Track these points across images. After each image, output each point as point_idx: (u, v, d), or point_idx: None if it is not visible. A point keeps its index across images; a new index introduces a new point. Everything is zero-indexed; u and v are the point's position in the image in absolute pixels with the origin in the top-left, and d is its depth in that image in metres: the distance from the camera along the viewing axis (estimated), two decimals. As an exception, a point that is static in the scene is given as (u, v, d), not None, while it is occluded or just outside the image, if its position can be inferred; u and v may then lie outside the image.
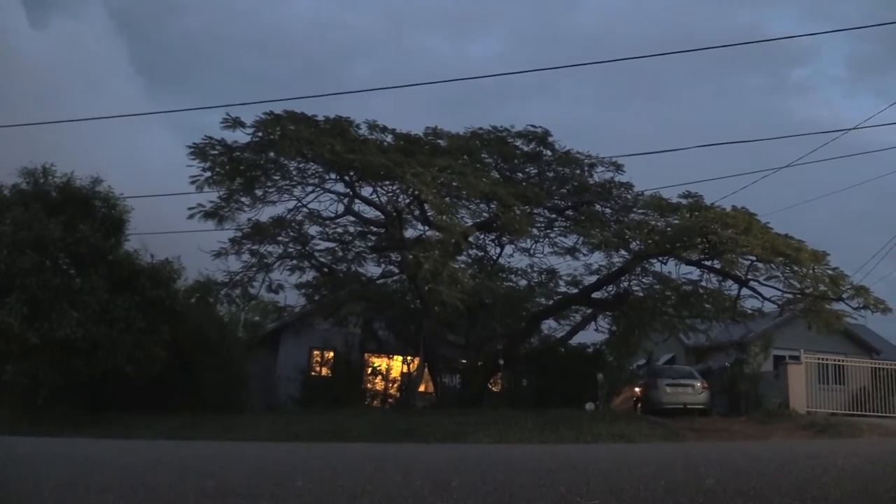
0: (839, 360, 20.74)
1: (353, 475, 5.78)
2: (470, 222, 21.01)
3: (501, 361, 22.09)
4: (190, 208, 19.93)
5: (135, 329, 18.35)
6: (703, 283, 21.31)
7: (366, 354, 25.89)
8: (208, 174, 19.44)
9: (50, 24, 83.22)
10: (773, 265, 18.66)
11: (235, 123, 18.48)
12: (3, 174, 19.65)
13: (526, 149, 22.36)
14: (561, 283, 24.92)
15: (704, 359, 27.34)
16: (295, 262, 22.82)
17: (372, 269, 24.37)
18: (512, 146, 22.18)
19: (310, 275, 23.89)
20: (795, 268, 18.38)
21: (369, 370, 25.84)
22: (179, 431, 15.03)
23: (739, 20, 78.32)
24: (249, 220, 21.12)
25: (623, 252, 21.14)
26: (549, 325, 26.06)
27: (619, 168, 21.84)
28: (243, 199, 20.52)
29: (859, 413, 18.42)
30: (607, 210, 22.21)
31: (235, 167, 19.64)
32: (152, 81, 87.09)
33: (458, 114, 72.35)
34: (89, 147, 43.72)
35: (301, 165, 20.26)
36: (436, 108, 73.39)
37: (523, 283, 25.38)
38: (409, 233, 21.74)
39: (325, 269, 23.76)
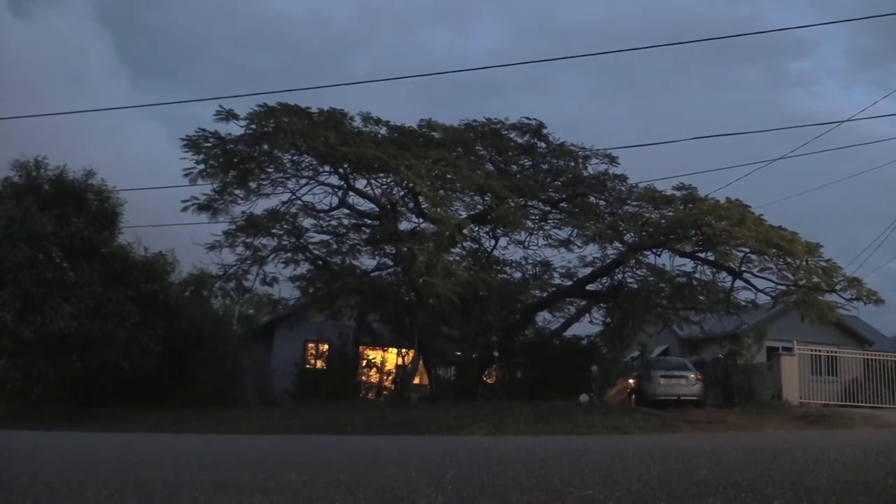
0: (832, 352, 20.80)
1: (348, 468, 5.78)
2: (464, 215, 20.98)
3: (496, 354, 22.11)
4: (183, 201, 19.84)
5: (129, 323, 18.33)
6: (697, 275, 21.41)
7: (360, 347, 25.89)
8: (202, 167, 19.32)
9: (33, 13, 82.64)
10: (766, 257, 18.72)
11: (229, 116, 18.36)
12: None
13: (520, 141, 22.35)
14: (555, 275, 25.00)
15: (698, 350, 27.43)
16: (289, 254, 22.76)
17: (366, 262, 24.37)
18: (506, 138, 22.16)
19: (304, 267, 23.85)
20: (789, 259, 18.44)
21: (364, 363, 25.84)
22: (174, 425, 15.01)
23: (739, 13, 78.31)
24: (243, 212, 21.06)
25: (617, 244, 21.19)
26: (543, 317, 26.14)
27: (613, 160, 21.85)
28: (237, 191, 20.43)
29: (852, 404, 18.49)
30: (601, 202, 22.23)
31: (229, 160, 19.54)
32: (138, 73, 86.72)
33: (452, 107, 72.25)
34: (76, 140, 43.51)
35: (295, 158, 20.19)
36: (430, 101, 73.29)
37: (518, 275, 25.42)
38: (404, 225, 21.72)
39: (320, 262, 23.72)
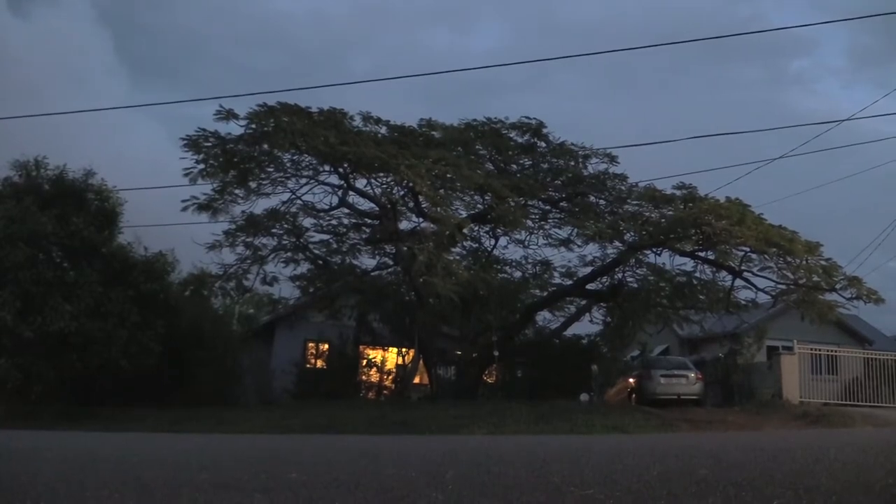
0: (832, 351, 20.81)
1: (348, 467, 5.78)
2: (464, 214, 20.99)
3: (496, 353, 22.12)
4: (183, 201, 19.84)
5: (129, 323, 18.32)
6: (697, 275, 21.40)
7: (361, 347, 25.89)
8: (202, 166, 19.31)
9: (32, 13, 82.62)
10: (766, 256, 18.72)
11: (228, 115, 18.34)
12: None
13: (520, 140, 22.37)
14: (555, 274, 24.99)
15: (698, 350, 27.44)
16: (289, 254, 22.76)
17: (366, 262, 24.36)
18: (506, 138, 22.17)
19: (304, 267, 23.85)
20: (789, 259, 18.44)
21: (364, 362, 25.84)
22: (174, 425, 15.01)
23: (739, 13, 78.29)
24: (243, 212, 21.04)
25: (617, 243, 21.17)
26: (543, 316, 26.14)
27: (613, 159, 21.88)
28: (237, 191, 20.42)
29: (852, 403, 18.50)
30: (601, 201, 22.23)
31: (229, 159, 19.54)
32: (138, 73, 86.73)
33: (452, 106, 72.22)
34: (76, 140, 43.50)
35: (295, 157, 20.18)
36: (430, 100, 73.29)
37: (518, 274, 25.42)
38: (404, 225, 21.71)
39: (320, 262, 23.71)
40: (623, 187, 21.91)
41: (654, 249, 20.77)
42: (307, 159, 20.17)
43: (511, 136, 22.20)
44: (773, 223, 18.38)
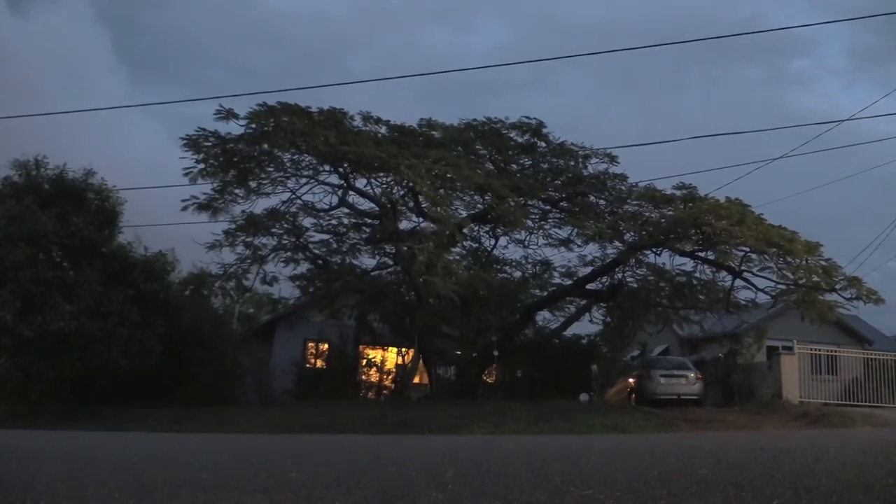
0: (832, 351, 20.81)
1: (348, 467, 5.78)
2: (464, 214, 20.98)
3: (496, 353, 22.12)
4: (183, 200, 19.82)
5: (129, 322, 18.30)
6: (697, 275, 21.41)
7: (360, 346, 25.89)
8: (202, 166, 19.29)
9: (31, 12, 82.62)
10: (766, 256, 18.71)
11: (228, 115, 18.31)
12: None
13: (520, 140, 22.36)
14: (555, 274, 25.00)
15: (698, 350, 27.44)
16: (289, 254, 22.74)
17: (366, 261, 24.35)
18: (506, 138, 22.16)
19: (304, 267, 23.84)
20: (789, 259, 18.44)
21: (364, 362, 25.84)
22: (174, 425, 15.00)
23: (739, 12, 78.25)
24: (243, 212, 21.02)
25: (617, 243, 21.17)
26: (543, 316, 26.14)
27: (613, 159, 21.87)
28: (237, 190, 20.40)
29: (852, 403, 18.48)
30: (601, 201, 22.23)
31: (229, 159, 19.53)
32: (137, 72, 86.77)
33: (452, 106, 72.36)
34: (75, 139, 43.52)
35: (295, 157, 20.17)
36: (430, 100, 73.33)
37: (518, 274, 25.44)
38: (404, 224, 21.70)
39: (320, 261, 23.70)
40: (623, 187, 21.91)
41: (654, 249, 20.77)
42: (307, 159, 20.16)
43: (511, 136, 22.20)
44: (773, 223, 18.38)
